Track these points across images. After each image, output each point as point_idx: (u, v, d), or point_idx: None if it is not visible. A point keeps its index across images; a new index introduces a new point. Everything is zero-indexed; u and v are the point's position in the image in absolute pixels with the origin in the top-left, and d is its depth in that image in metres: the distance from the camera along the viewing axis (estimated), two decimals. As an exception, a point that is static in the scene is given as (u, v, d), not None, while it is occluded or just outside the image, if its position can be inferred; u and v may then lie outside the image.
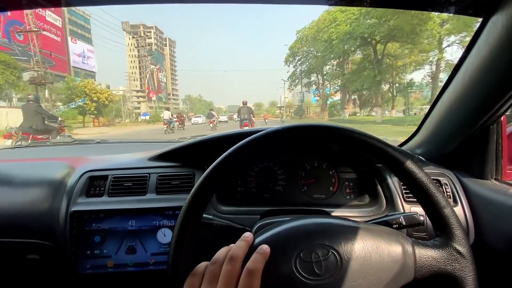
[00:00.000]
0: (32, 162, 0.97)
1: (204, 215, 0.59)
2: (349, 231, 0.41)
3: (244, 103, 9.23)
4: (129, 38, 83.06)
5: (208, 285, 0.37)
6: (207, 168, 0.46)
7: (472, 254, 0.40)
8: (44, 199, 0.78)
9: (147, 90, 78.73)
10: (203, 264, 0.41)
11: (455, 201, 0.77)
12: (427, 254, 0.40)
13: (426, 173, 0.42)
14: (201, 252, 0.55)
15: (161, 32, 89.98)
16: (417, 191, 0.43)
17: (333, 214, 0.80)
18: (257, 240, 0.42)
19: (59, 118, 6.70)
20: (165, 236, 0.74)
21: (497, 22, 0.53)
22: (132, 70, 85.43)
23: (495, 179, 0.77)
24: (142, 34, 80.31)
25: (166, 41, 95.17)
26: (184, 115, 20.10)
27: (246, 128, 0.86)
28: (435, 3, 0.58)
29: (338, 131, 0.44)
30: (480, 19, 0.57)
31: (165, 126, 13.87)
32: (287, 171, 0.91)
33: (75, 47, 38.95)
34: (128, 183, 0.79)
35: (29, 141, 4.97)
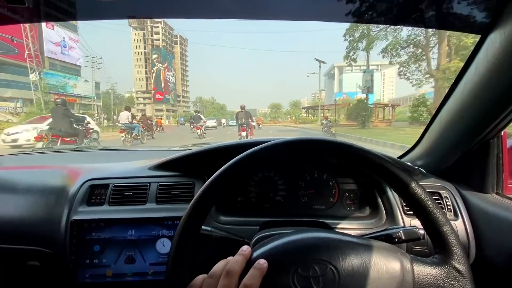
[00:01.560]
0: (35, 169, 0.97)
1: (202, 226, 0.60)
2: (347, 247, 0.41)
3: (242, 107, 9.12)
4: (135, 34, 75.86)
5: None
6: (207, 178, 0.46)
7: (471, 273, 0.40)
8: (46, 207, 0.78)
9: (153, 91, 72.02)
10: (200, 277, 0.41)
11: (455, 214, 0.76)
12: (426, 272, 0.40)
13: (424, 189, 0.42)
14: (200, 264, 0.55)
15: (171, 28, 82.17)
16: (416, 207, 0.43)
17: (333, 226, 0.79)
18: (255, 254, 0.42)
19: (86, 121, 6.98)
20: (164, 246, 0.74)
21: (495, 39, 0.54)
22: (138, 69, 76.92)
23: (496, 193, 0.76)
24: (149, 29, 74.94)
25: (176, 38, 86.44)
26: (152, 120, 14.95)
27: (248, 139, 0.87)
28: (434, 21, 0.58)
29: (337, 146, 0.45)
30: (479, 36, 0.58)
31: (122, 134, 8.97)
32: (287, 181, 0.91)
33: (52, 34, 30.27)
34: (129, 192, 0.79)
35: (58, 144, 5.31)
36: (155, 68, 71.58)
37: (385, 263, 0.40)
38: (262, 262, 0.39)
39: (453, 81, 0.68)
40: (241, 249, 0.43)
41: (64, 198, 0.79)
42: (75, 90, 34.71)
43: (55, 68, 32.10)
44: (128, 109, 10.02)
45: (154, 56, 71.99)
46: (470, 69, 0.63)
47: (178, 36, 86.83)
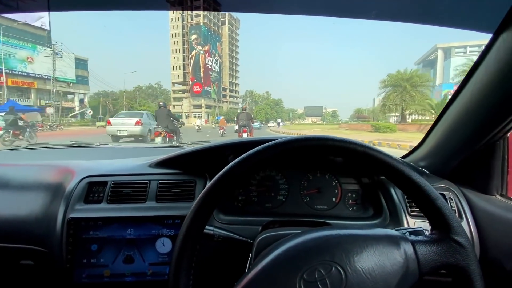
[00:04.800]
0: (30, 165, 0.95)
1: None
2: (348, 242, 0.41)
3: (244, 109, 9.37)
4: (173, 12, 51.03)
5: None
6: (209, 176, 0.46)
7: (471, 244, 0.41)
8: (41, 204, 0.76)
9: (191, 82, 54.64)
10: None
11: (460, 216, 0.76)
12: (428, 250, 0.40)
13: (412, 167, 0.43)
14: (202, 264, 0.53)
15: (217, 3, 70.07)
16: (406, 185, 0.43)
17: (335, 226, 0.78)
18: (258, 267, 0.41)
19: (180, 120, 8.17)
20: (164, 245, 0.72)
21: (507, 39, 0.53)
22: (175, 55, 58.53)
23: (501, 195, 0.76)
24: (188, 3, 61.27)
25: (225, 17, 65.37)
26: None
27: (249, 137, 0.85)
28: (446, 18, 0.57)
29: (340, 143, 0.44)
30: (490, 35, 0.57)
31: None
32: (289, 181, 0.90)
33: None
34: (128, 190, 0.78)
35: (167, 139, 6.82)
36: (193, 53, 54.87)
37: (387, 251, 0.39)
38: None
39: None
40: None
41: (60, 195, 0.77)
42: (29, 67, 20.81)
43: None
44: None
45: (193, 36, 54.98)
46: (479, 69, 0.62)
47: (226, 15, 64.66)
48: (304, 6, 0.73)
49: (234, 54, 73.78)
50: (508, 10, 0.51)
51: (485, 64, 0.60)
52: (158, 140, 6.88)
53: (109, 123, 9.97)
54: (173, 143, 6.43)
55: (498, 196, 0.76)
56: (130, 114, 10.84)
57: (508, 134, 0.71)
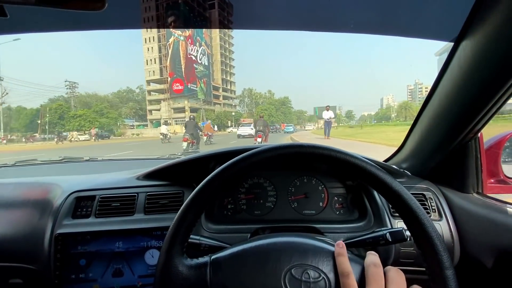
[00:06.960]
0: (18, 182, 0.95)
1: (191, 235, 0.60)
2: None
3: (261, 116, 11.38)
4: None
5: (375, 285, 0.41)
6: (196, 186, 0.47)
7: None
8: (29, 221, 0.76)
9: (169, 78, 41.25)
10: (347, 265, 0.42)
11: (439, 215, 0.78)
12: None
13: (434, 226, 0.42)
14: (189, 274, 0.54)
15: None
16: (422, 243, 0.43)
17: (323, 230, 0.80)
18: (253, 243, 0.43)
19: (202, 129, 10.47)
20: (153, 257, 0.73)
21: (466, 47, 0.57)
22: (148, 45, 45.86)
23: (477, 193, 0.79)
24: None
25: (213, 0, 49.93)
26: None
27: (238, 146, 0.88)
28: (410, 29, 0.61)
29: (322, 151, 0.46)
30: (452, 44, 0.61)
31: None
32: (277, 187, 0.91)
33: None
34: (116, 203, 0.78)
35: (190, 145, 8.58)
36: (171, 40, 42.89)
37: None
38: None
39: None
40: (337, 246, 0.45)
41: (48, 211, 0.77)
42: None
43: None
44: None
45: (170, 18, 30.61)
46: (446, 75, 0.66)
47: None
48: (286, 23, 0.77)
49: (227, 46, 60.27)
50: (464, 21, 0.55)
51: (450, 71, 0.64)
52: (184, 145, 8.56)
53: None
54: (193, 147, 8.64)
55: (475, 194, 0.79)
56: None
57: (479, 134, 0.75)
